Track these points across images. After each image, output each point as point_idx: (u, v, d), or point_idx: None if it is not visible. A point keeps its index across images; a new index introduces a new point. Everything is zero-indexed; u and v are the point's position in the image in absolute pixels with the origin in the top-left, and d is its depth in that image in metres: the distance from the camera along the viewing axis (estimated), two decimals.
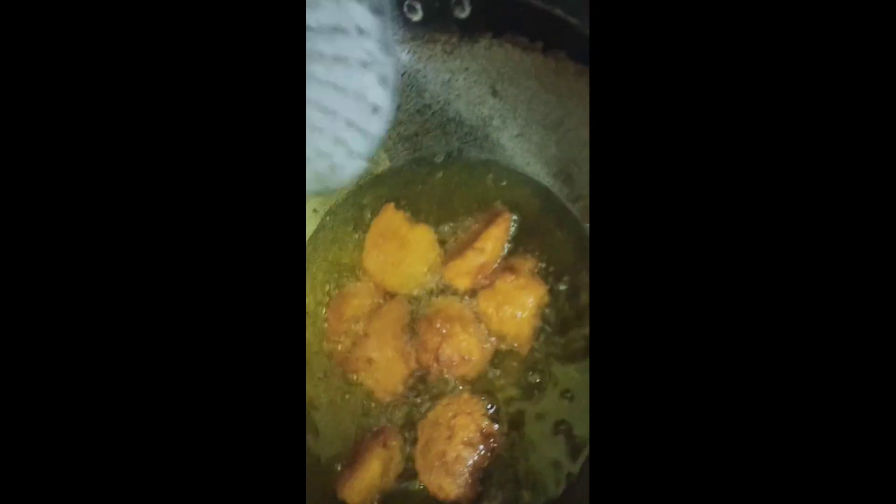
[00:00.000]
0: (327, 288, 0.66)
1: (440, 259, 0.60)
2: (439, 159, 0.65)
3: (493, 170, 0.62)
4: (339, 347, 0.61)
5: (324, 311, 0.64)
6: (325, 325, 0.63)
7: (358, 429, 0.58)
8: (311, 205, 0.70)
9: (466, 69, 0.59)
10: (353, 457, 0.56)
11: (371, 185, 0.68)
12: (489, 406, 0.54)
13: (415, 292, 0.60)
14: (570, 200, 0.56)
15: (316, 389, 0.61)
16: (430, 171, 0.65)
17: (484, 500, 0.52)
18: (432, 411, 0.55)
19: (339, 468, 0.57)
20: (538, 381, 0.54)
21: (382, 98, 0.41)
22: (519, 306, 0.54)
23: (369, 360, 0.58)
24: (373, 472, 0.55)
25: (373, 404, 0.59)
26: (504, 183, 0.61)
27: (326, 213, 0.70)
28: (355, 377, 0.59)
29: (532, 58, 0.53)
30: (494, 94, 0.59)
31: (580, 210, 0.57)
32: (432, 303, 0.59)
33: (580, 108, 0.53)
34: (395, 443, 0.56)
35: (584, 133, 0.48)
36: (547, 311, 0.55)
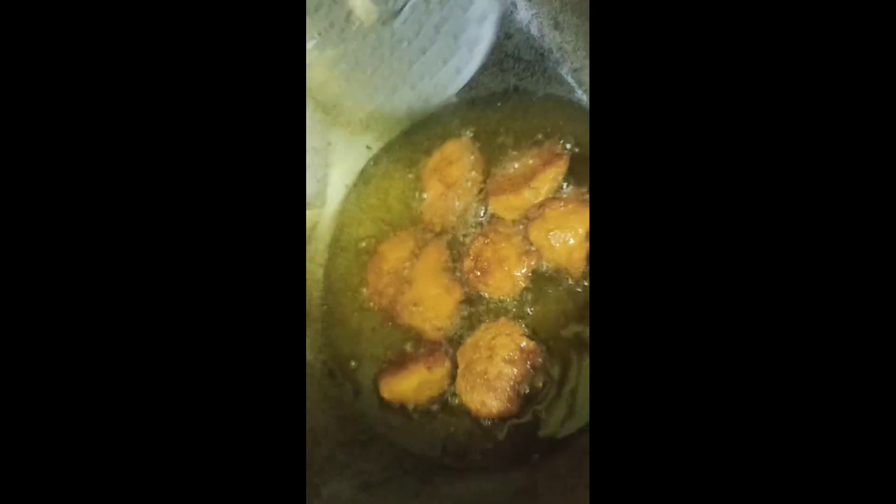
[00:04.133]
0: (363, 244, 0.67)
1: (485, 187, 0.61)
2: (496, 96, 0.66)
3: (550, 105, 0.63)
4: (384, 301, 0.63)
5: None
6: (366, 287, 0.65)
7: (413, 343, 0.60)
8: (364, 141, 0.72)
9: (528, 0, 0.59)
10: (400, 360, 0.58)
11: (425, 123, 0.70)
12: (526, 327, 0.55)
13: (457, 223, 0.62)
14: None
15: (368, 343, 0.63)
16: (485, 108, 0.67)
17: (524, 415, 0.53)
18: (472, 336, 0.57)
19: (386, 364, 0.60)
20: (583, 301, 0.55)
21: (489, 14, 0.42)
22: (570, 231, 0.55)
23: (415, 303, 0.60)
24: (409, 383, 0.57)
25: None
26: (560, 120, 0.62)
27: (380, 150, 0.72)
28: (405, 323, 0.61)
29: None
30: (556, 26, 0.60)
31: None
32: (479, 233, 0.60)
33: None
34: (438, 370, 0.57)
35: None
36: None
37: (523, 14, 0.61)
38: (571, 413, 0.52)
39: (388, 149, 0.72)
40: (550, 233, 0.55)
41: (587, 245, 0.55)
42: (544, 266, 0.57)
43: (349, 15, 0.50)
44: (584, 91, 0.61)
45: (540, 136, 0.62)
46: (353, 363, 0.64)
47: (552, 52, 0.62)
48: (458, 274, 0.60)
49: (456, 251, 0.61)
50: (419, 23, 0.45)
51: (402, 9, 0.46)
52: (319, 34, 0.51)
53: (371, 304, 0.64)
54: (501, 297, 0.57)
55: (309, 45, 0.53)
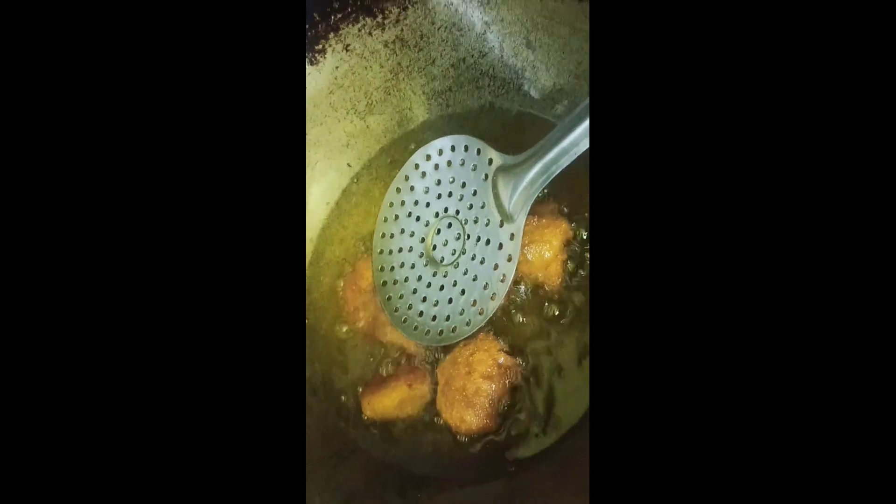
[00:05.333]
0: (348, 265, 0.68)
1: None
2: (473, 112, 0.67)
3: (525, 121, 0.64)
4: (361, 323, 0.63)
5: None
6: (344, 302, 0.65)
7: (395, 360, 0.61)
8: (345, 159, 0.73)
9: (502, 20, 0.60)
10: (382, 377, 0.59)
11: (403, 139, 0.71)
12: (504, 343, 0.56)
13: None
14: None
15: (349, 359, 0.64)
16: (461, 124, 0.68)
17: (503, 431, 0.54)
18: (451, 353, 0.57)
19: (367, 381, 0.61)
20: (556, 312, 0.56)
21: (509, 268, 0.53)
22: (545, 244, 0.55)
23: None
24: (390, 400, 0.58)
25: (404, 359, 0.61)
26: (535, 136, 0.63)
27: (361, 167, 0.73)
28: (385, 339, 0.61)
29: (567, 5, 0.54)
30: (528, 45, 0.61)
31: None
32: None
33: None
34: (418, 387, 0.58)
35: None
36: (572, 246, 0.57)
37: (496, 33, 0.62)
38: (548, 425, 0.53)
39: (367, 166, 0.73)
40: (526, 247, 0.56)
41: (563, 257, 0.56)
42: (522, 281, 0.57)
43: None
44: (557, 109, 0.62)
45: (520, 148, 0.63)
46: (334, 379, 0.64)
47: (525, 71, 0.63)
48: None
49: None
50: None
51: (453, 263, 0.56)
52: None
53: (351, 320, 0.65)
54: None
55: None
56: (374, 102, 0.70)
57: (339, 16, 0.65)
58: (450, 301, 0.55)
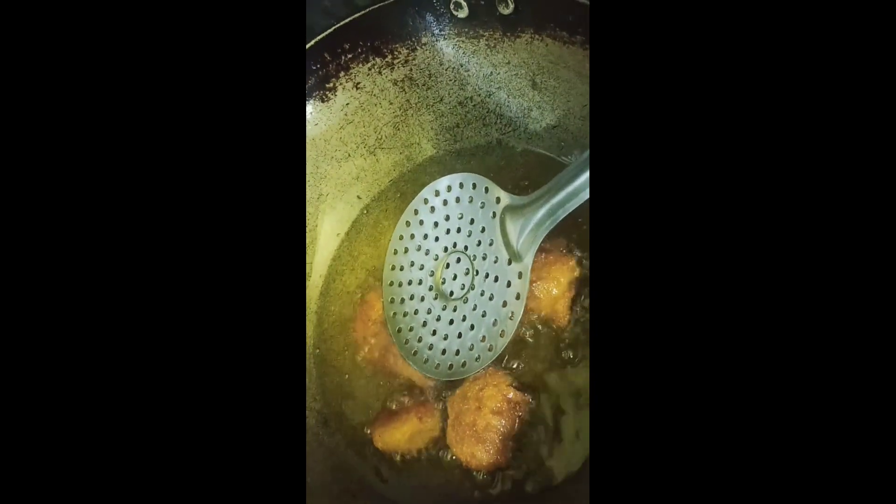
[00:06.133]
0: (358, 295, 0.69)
1: None
2: (481, 148, 0.69)
3: (531, 159, 0.65)
4: (373, 349, 0.64)
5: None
6: (354, 333, 0.67)
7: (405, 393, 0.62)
8: (355, 191, 0.74)
9: (508, 63, 0.62)
10: (393, 412, 0.60)
11: (412, 173, 0.73)
12: (513, 378, 0.57)
13: None
14: None
15: (360, 391, 0.65)
16: (468, 160, 0.69)
17: (513, 467, 0.55)
18: (460, 388, 0.58)
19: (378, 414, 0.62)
20: (571, 356, 0.57)
21: (517, 306, 0.54)
22: (553, 282, 0.57)
23: None
24: (401, 433, 0.58)
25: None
26: (540, 174, 0.64)
27: (371, 200, 0.75)
28: (395, 370, 0.62)
29: (571, 51, 0.56)
30: (534, 86, 0.63)
31: None
32: None
33: None
34: (428, 420, 0.59)
35: None
36: (579, 283, 0.58)
37: (503, 74, 0.64)
38: (559, 462, 0.54)
39: (378, 198, 0.74)
40: (533, 284, 0.57)
41: (570, 294, 0.57)
42: (531, 317, 0.59)
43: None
44: (562, 148, 0.64)
45: (525, 184, 0.65)
46: (345, 411, 0.65)
47: (531, 111, 0.64)
48: None
49: None
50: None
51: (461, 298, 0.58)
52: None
53: (361, 352, 0.66)
54: None
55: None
56: (384, 137, 0.72)
57: (350, 56, 0.67)
58: (459, 336, 0.56)
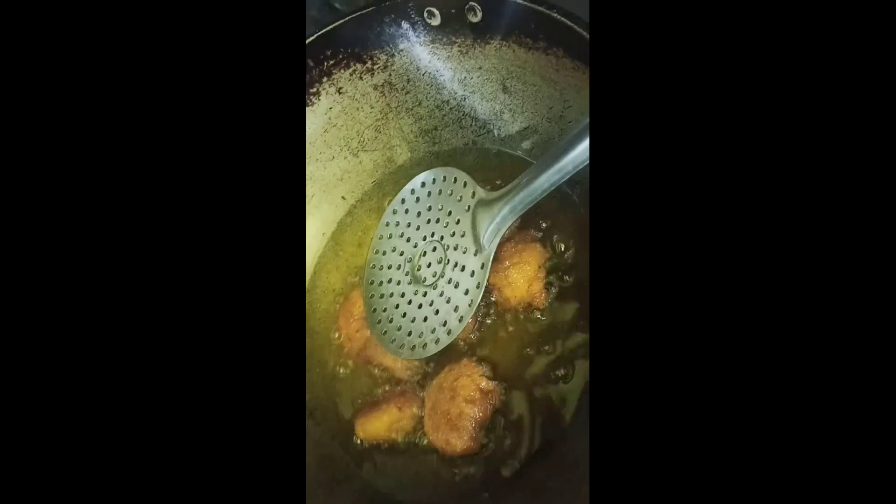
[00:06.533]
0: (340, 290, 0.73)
1: None
2: (458, 150, 0.72)
3: (505, 160, 0.68)
4: (356, 344, 0.67)
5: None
6: (338, 329, 0.70)
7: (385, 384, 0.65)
8: (339, 192, 0.77)
9: (480, 68, 0.65)
10: (374, 401, 0.63)
11: (394, 174, 0.76)
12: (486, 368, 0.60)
13: None
14: (568, 186, 0.62)
15: (344, 385, 0.68)
16: (446, 161, 0.72)
17: (485, 451, 0.57)
18: (436, 378, 0.61)
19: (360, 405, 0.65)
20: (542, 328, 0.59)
21: (476, 294, 0.58)
22: (526, 265, 0.60)
23: None
24: (381, 423, 0.62)
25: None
26: (513, 173, 0.67)
27: (356, 201, 0.77)
28: (377, 362, 0.65)
29: (535, 56, 0.59)
30: (505, 90, 0.65)
31: (578, 195, 0.63)
32: None
33: (579, 101, 0.59)
34: (408, 410, 0.62)
35: (584, 123, 0.53)
36: (549, 265, 0.61)
37: (476, 78, 0.67)
38: (531, 446, 0.56)
39: (361, 199, 0.77)
40: (506, 271, 0.60)
41: (542, 276, 0.60)
42: (506, 304, 0.61)
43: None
44: (530, 150, 0.66)
45: (499, 183, 0.67)
46: (329, 404, 0.68)
47: (503, 113, 0.67)
48: None
49: None
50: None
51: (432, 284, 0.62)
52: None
53: (345, 347, 0.69)
54: (463, 339, 0.62)
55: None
56: (366, 140, 0.74)
57: (332, 62, 0.70)
58: (425, 319, 0.60)
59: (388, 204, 0.68)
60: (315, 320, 0.73)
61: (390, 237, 0.67)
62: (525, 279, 0.60)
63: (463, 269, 0.59)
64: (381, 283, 0.65)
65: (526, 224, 0.63)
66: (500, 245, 0.60)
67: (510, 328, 0.61)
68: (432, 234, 0.63)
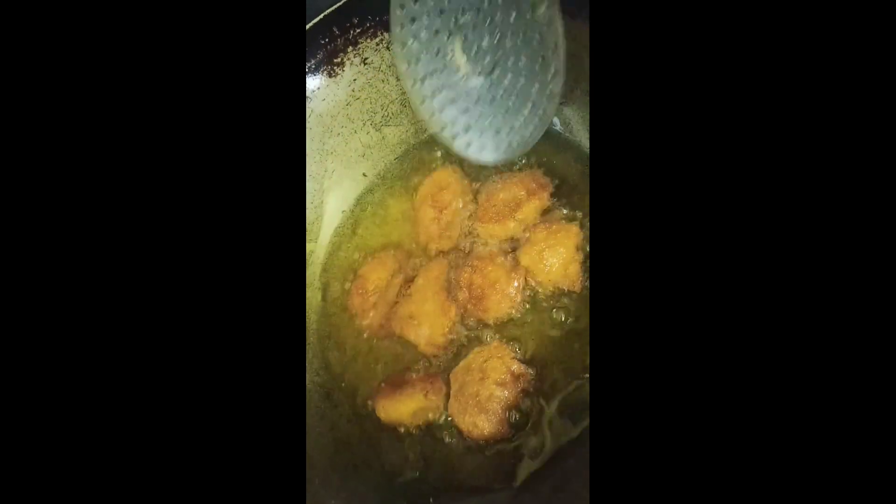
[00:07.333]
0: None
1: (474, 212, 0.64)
2: None
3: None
4: (372, 325, 0.65)
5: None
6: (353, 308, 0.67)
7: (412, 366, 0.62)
8: (361, 168, 0.75)
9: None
10: (398, 382, 0.60)
11: (417, 149, 0.73)
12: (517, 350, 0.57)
13: (450, 246, 0.64)
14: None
15: (363, 365, 0.65)
16: None
17: (515, 438, 0.55)
18: (464, 360, 0.58)
19: (381, 384, 0.61)
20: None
21: (559, 62, 0.48)
22: (561, 247, 0.57)
23: (411, 316, 0.62)
24: (406, 408, 0.58)
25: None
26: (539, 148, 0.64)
27: (376, 177, 0.75)
28: (399, 334, 0.62)
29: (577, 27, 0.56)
30: None
31: None
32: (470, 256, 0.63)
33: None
34: (434, 398, 0.59)
35: None
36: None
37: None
38: (559, 434, 0.54)
39: (382, 176, 0.74)
40: (541, 253, 0.58)
41: (580, 258, 0.57)
42: (540, 288, 0.59)
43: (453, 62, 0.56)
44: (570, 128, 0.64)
45: (522, 162, 0.65)
46: (346, 385, 0.65)
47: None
48: (453, 295, 0.62)
49: (450, 275, 0.63)
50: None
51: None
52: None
53: (361, 324, 0.66)
54: (498, 320, 0.59)
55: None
56: (391, 114, 0.72)
57: (359, 30, 0.67)
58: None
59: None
60: (332, 300, 0.70)
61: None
62: (561, 263, 0.57)
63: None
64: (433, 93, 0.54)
65: (561, 204, 0.61)
66: (532, 227, 0.57)
67: (543, 313, 0.58)
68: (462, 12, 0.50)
